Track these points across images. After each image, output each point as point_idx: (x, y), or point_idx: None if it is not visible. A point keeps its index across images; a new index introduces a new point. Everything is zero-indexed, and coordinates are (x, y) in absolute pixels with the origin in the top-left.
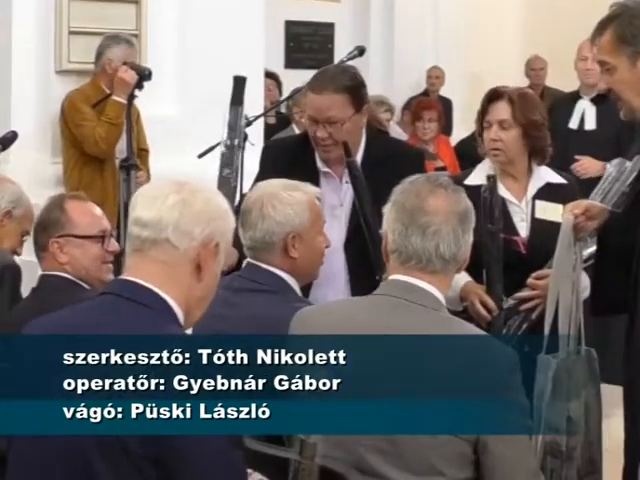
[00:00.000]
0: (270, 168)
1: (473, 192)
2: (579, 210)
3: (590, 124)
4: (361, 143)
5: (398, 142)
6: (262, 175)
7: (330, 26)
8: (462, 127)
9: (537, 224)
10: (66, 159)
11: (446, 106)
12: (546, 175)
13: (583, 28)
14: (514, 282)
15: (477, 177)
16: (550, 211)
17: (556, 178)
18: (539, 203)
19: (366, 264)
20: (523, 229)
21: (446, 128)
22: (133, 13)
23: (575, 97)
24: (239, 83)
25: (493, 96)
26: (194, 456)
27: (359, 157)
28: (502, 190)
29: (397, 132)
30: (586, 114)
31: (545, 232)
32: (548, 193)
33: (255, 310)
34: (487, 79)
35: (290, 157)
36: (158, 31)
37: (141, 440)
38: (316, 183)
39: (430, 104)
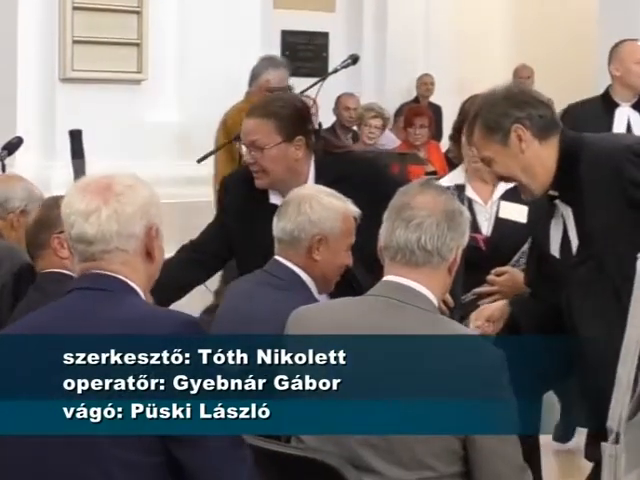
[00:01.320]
0: (227, 205)
1: None
2: (480, 321)
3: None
4: (309, 173)
5: (349, 161)
6: (219, 213)
7: (324, 35)
8: None
9: (500, 223)
10: (222, 170)
11: (436, 113)
12: None
13: (569, 38)
14: (474, 278)
15: (448, 179)
16: (514, 212)
17: None
18: (504, 204)
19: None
20: (485, 227)
21: (436, 134)
22: (135, 23)
23: (609, 104)
24: (75, 137)
25: None
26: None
27: (309, 184)
28: (469, 192)
29: (390, 139)
30: (633, 123)
31: (507, 231)
32: (515, 195)
33: (277, 307)
34: (476, 87)
35: (246, 190)
36: (158, 40)
37: None
38: (269, 216)
39: (421, 111)
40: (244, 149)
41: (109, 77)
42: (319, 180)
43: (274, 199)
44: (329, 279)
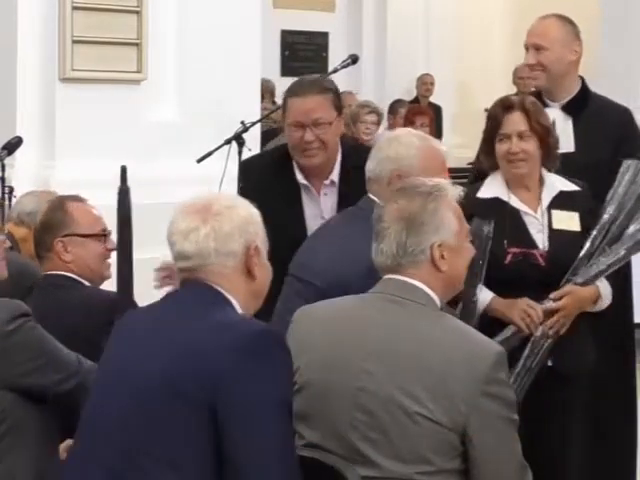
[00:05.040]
0: (252, 184)
1: (487, 205)
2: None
3: (566, 144)
4: (338, 152)
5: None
6: (245, 191)
7: (324, 35)
8: (451, 133)
9: (555, 235)
10: None
11: (436, 113)
12: (558, 183)
13: None
14: (535, 296)
15: (489, 190)
16: (566, 220)
17: (568, 185)
18: (555, 213)
19: None
20: (540, 241)
21: (436, 134)
22: (134, 22)
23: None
24: None
25: (506, 106)
26: (246, 409)
27: (337, 167)
28: (516, 202)
29: None
30: (559, 127)
31: (564, 242)
32: (562, 201)
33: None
34: (476, 87)
35: (271, 172)
36: (158, 40)
37: (199, 386)
38: (297, 196)
39: (422, 110)
40: (289, 129)
41: (109, 77)
42: (346, 161)
43: (299, 178)
44: None
